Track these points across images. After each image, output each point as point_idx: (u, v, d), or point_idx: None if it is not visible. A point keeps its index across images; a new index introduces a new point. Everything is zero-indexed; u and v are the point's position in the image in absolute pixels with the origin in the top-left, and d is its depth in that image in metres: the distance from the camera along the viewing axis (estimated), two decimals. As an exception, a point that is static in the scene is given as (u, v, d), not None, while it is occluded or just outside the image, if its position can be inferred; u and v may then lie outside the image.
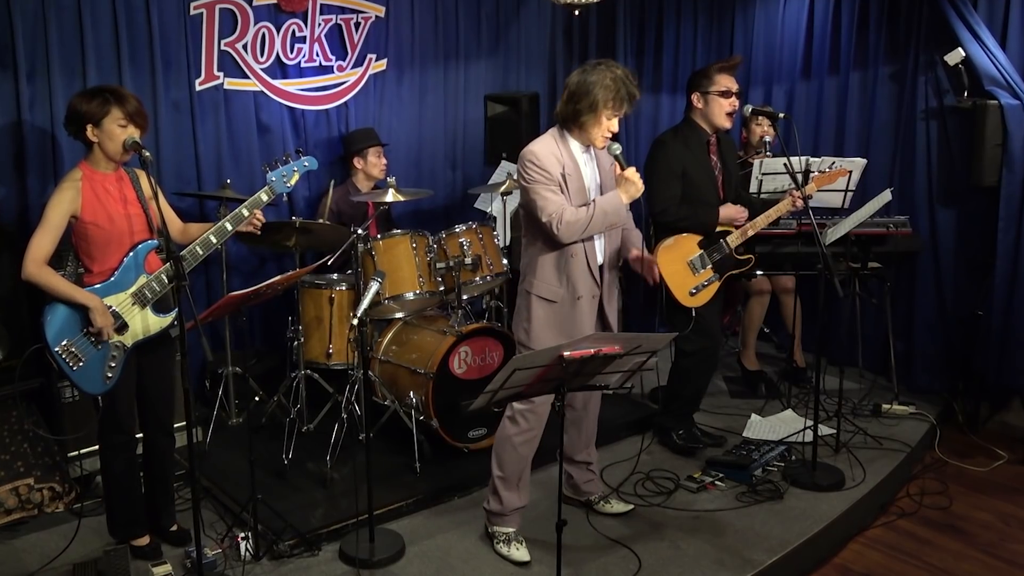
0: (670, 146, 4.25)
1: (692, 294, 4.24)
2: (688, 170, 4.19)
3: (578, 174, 3.42)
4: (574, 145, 3.43)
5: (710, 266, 4.26)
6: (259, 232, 3.54)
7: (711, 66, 4.26)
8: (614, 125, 3.38)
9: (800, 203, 4.16)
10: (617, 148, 3.40)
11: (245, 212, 3.41)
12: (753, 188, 4.67)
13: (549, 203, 3.31)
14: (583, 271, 3.43)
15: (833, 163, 4.50)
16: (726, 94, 4.18)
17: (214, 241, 3.35)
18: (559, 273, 3.42)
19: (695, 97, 4.22)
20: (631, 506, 3.91)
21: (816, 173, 4.38)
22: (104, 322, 3.15)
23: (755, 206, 4.42)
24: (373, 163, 5.14)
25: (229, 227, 3.39)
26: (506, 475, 3.55)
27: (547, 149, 3.36)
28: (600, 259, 3.51)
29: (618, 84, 3.29)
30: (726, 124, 4.25)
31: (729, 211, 4.26)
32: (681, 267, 4.23)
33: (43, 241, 3.16)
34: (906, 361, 5.34)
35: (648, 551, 3.56)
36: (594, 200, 3.39)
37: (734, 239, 4.27)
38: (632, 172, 3.36)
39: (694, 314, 4.22)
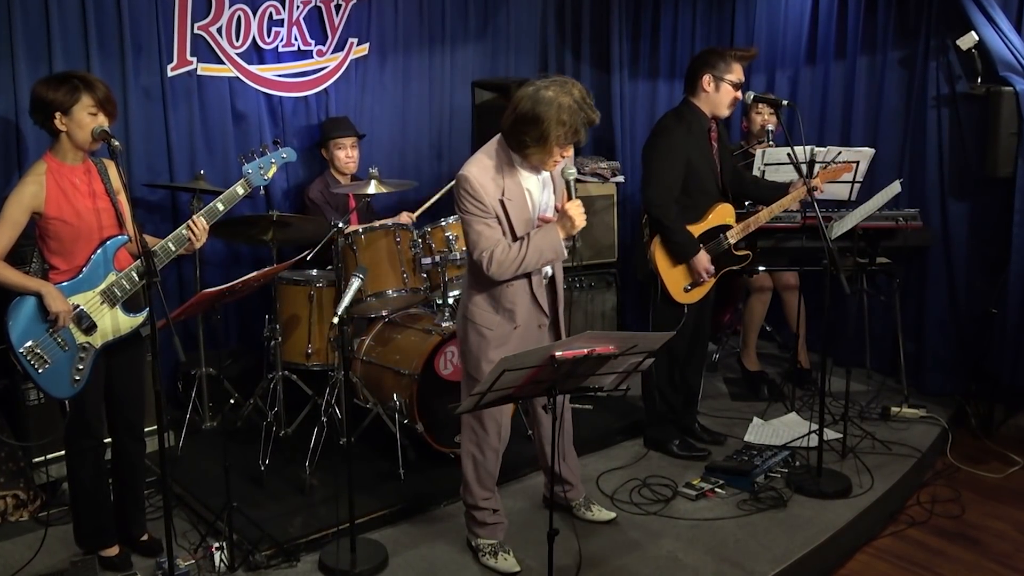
0: (676, 133, 4.19)
1: (687, 290, 4.27)
2: (692, 159, 4.18)
3: (522, 200, 3.20)
4: (520, 165, 3.21)
5: None
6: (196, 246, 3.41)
7: (728, 51, 4.18)
8: (568, 151, 3.14)
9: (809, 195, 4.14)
10: (572, 173, 3.14)
11: (220, 207, 3.43)
12: (755, 180, 4.71)
13: (482, 239, 3.14)
14: (522, 297, 3.29)
15: (839, 152, 4.52)
16: (738, 86, 4.17)
17: (186, 236, 3.36)
18: (493, 299, 3.28)
19: (707, 79, 4.14)
20: (613, 514, 3.87)
21: (820, 167, 4.40)
22: (60, 307, 3.14)
23: (762, 189, 4.42)
24: (338, 156, 5.04)
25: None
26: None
27: (485, 175, 3.13)
28: (548, 278, 3.39)
29: (574, 116, 3.00)
30: (727, 113, 4.25)
31: (702, 261, 4.20)
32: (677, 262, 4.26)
33: None
34: (916, 362, 5.38)
35: (644, 562, 3.57)
36: (528, 235, 3.17)
37: (734, 234, 4.30)
38: (573, 206, 3.11)
39: (686, 310, 4.25)
